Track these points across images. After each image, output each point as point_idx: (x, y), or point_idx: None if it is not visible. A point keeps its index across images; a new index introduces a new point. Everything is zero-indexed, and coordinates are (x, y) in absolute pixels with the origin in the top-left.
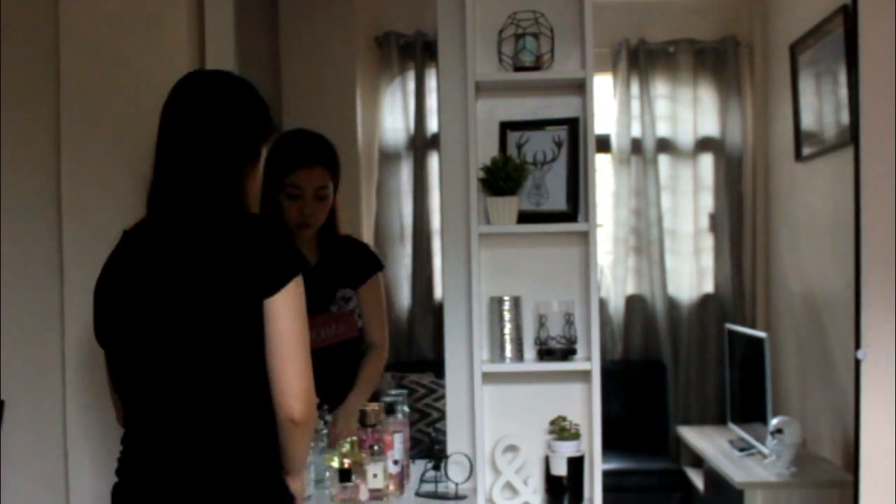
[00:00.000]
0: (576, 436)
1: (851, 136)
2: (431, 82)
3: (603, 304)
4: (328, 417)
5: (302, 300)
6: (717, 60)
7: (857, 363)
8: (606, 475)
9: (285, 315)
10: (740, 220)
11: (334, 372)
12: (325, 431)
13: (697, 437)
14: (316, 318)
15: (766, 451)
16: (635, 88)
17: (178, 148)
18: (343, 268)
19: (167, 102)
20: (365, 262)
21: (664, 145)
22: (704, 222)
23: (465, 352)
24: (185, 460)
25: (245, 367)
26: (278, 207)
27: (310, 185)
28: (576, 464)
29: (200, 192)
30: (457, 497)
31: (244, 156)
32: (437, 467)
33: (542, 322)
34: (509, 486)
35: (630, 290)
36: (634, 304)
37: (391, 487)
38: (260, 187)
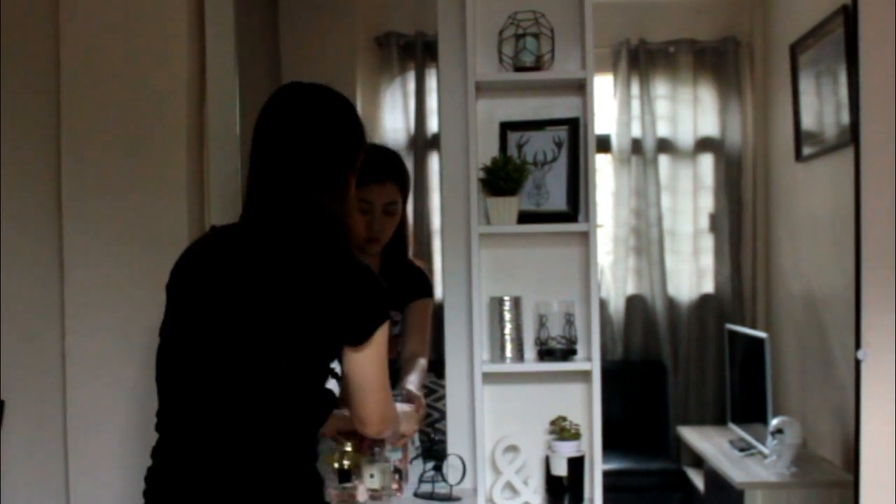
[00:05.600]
0: (576, 436)
1: (851, 136)
2: (431, 82)
3: (603, 304)
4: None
5: (385, 341)
6: (717, 60)
7: (857, 363)
8: (606, 475)
9: (368, 362)
10: (740, 220)
11: None
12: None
13: (697, 437)
14: None
15: (766, 451)
16: (635, 88)
17: (284, 160)
18: (396, 288)
19: (269, 111)
20: (418, 285)
21: (664, 145)
22: (704, 222)
23: (465, 352)
24: (227, 466)
25: (305, 395)
26: None
27: (379, 201)
28: (576, 464)
29: (306, 208)
30: (451, 499)
31: (348, 172)
32: (437, 468)
33: (542, 322)
34: (509, 487)
35: (630, 290)
36: (634, 304)
37: (392, 487)
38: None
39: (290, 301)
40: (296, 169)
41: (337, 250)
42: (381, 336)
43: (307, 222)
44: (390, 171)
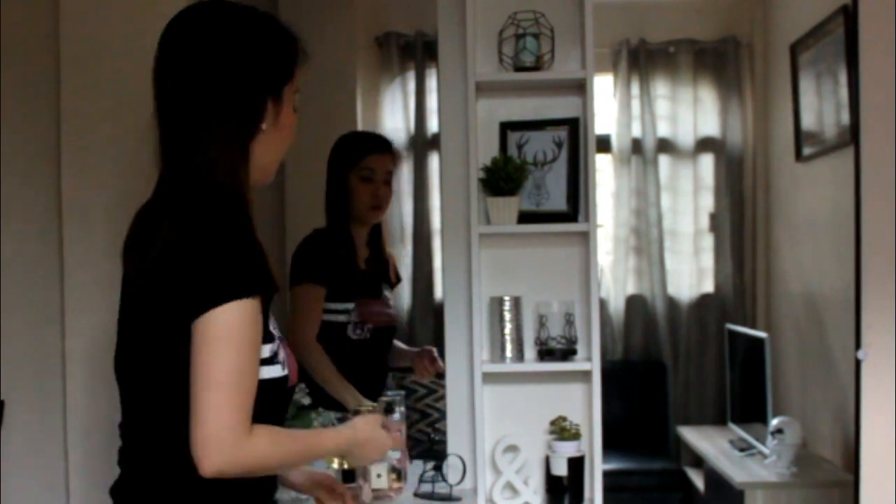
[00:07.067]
0: (576, 436)
1: (851, 136)
2: (431, 82)
3: (603, 304)
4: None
5: (245, 331)
6: (717, 60)
7: (857, 363)
8: (607, 475)
9: (210, 343)
10: (740, 220)
11: (381, 358)
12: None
13: (697, 437)
14: (371, 301)
15: (766, 451)
16: (635, 88)
17: (168, 107)
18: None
19: (160, 46)
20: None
21: (664, 145)
22: (704, 222)
23: (465, 352)
24: (135, 470)
25: (163, 398)
26: (349, 189)
27: (381, 170)
28: (576, 464)
29: (182, 164)
30: (451, 499)
31: (252, 110)
32: (437, 468)
33: (542, 322)
34: (510, 487)
35: (630, 290)
36: (634, 304)
37: (393, 487)
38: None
39: (143, 281)
40: (187, 117)
41: (206, 208)
42: (235, 314)
43: (191, 180)
44: (390, 144)
